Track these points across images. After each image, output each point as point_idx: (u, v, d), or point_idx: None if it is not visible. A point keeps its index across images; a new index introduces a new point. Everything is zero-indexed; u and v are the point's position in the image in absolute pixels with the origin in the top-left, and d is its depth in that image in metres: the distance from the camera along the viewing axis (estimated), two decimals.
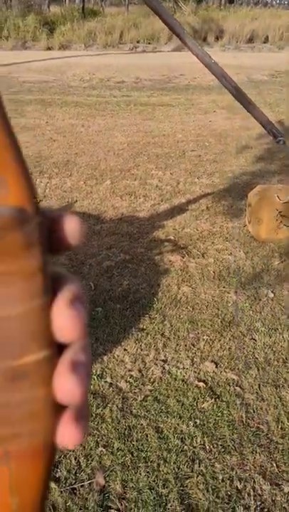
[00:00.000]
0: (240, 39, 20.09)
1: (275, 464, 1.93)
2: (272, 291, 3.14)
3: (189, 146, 6.63)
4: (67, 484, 1.85)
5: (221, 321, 2.84)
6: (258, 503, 1.78)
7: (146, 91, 11.07)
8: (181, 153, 6.32)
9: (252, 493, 1.81)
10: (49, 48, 18.22)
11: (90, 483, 1.85)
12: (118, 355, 2.56)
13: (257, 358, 2.54)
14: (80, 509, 1.76)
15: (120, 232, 4.07)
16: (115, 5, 27.80)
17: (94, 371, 2.43)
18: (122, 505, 1.77)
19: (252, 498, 1.80)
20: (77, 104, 9.38)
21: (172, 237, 3.94)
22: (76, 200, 4.74)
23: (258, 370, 2.45)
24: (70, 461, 1.94)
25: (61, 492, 1.82)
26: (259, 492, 1.82)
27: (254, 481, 1.86)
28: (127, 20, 19.71)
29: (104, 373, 2.43)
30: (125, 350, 2.60)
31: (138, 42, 19.34)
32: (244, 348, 2.62)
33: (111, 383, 2.36)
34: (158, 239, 3.92)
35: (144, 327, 2.79)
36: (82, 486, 1.84)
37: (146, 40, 19.00)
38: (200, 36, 19.77)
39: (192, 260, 3.55)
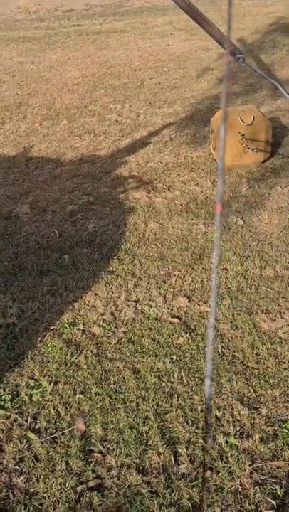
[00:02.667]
0: None
1: (251, 389, 1.95)
2: (241, 219, 3.08)
3: (148, 73, 6.28)
4: (47, 434, 1.84)
5: (192, 255, 2.79)
6: (238, 428, 1.81)
7: (97, 18, 10.33)
8: (139, 82, 5.99)
9: (231, 420, 1.84)
10: None
11: (70, 431, 1.85)
12: (89, 301, 2.50)
13: (230, 288, 2.52)
14: (63, 457, 1.76)
15: (82, 173, 3.89)
16: None
17: (65, 319, 2.38)
18: (104, 447, 1.78)
19: (231, 424, 1.82)
20: (25, 39, 8.72)
21: (136, 173, 3.79)
22: (33, 145, 4.49)
23: (231, 299, 2.44)
24: (49, 411, 1.93)
25: (42, 443, 1.81)
26: (238, 418, 1.85)
27: (232, 408, 1.89)
28: None
29: (77, 320, 2.38)
30: (96, 294, 2.54)
31: None
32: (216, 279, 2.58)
33: (84, 330, 2.32)
34: (121, 176, 3.77)
35: (114, 269, 2.72)
36: (62, 434, 1.84)
37: None
38: None
39: (158, 195, 3.44)
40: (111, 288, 2.58)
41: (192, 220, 3.11)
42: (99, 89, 5.86)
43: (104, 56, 7.31)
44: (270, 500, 1.59)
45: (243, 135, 3.45)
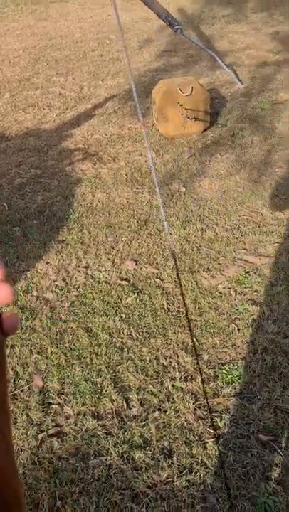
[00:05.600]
0: None
1: (195, 339, 2.15)
2: (183, 186, 3.24)
3: (90, 45, 6.24)
4: (8, 392, 1.96)
5: (138, 221, 2.93)
6: (182, 373, 2.01)
7: None
8: (82, 54, 5.96)
9: (176, 367, 2.03)
10: None
11: (29, 387, 1.98)
12: (41, 269, 2.61)
13: (174, 251, 2.69)
14: (23, 410, 1.89)
15: (28, 147, 3.91)
16: None
17: (19, 287, 2.48)
18: (61, 399, 1.93)
19: (177, 370, 2.02)
20: None
21: (82, 146, 3.85)
22: None
23: (175, 260, 2.61)
24: (8, 372, 2.05)
25: None
26: (183, 364, 2.04)
27: (178, 356, 2.08)
28: None
29: (30, 288, 2.48)
30: (48, 263, 2.65)
31: None
32: (161, 243, 2.75)
33: (37, 296, 2.43)
34: (67, 149, 3.83)
35: (64, 238, 2.83)
36: (22, 391, 1.97)
37: None
38: None
39: (104, 166, 3.53)
40: (62, 256, 2.69)
41: (137, 188, 3.25)
42: (41, 61, 5.79)
43: (45, 28, 7.17)
44: (212, 431, 1.80)
45: (181, 105, 3.59)
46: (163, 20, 4.16)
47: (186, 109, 3.61)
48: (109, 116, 4.32)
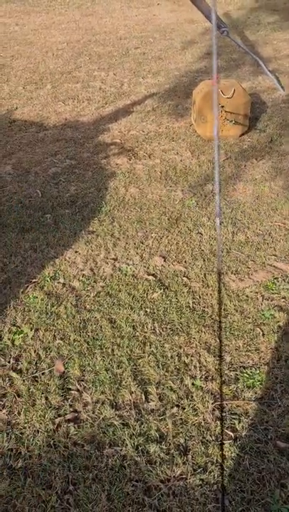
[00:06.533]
0: None
1: (218, 340, 2.13)
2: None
3: (133, 43, 6.27)
4: (28, 374, 1.99)
5: (168, 219, 2.93)
6: (203, 372, 1.99)
7: None
8: (124, 51, 5.99)
9: (198, 365, 2.02)
10: None
11: (50, 371, 1.99)
12: (70, 257, 2.63)
13: (203, 250, 2.68)
14: (43, 393, 1.91)
15: (65, 138, 3.95)
16: None
17: (47, 273, 2.50)
18: (80, 386, 1.94)
19: (198, 369, 2.00)
20: (9, 0, 8.51)
21: (118, 140, 3.87)
22: (16, 107, 4.50)
23: (204, 261, 2.60)
24: (30, 354, 2.07)
25: (24, 381, 1.96)
26: (204, 364, 2.03)
27: (200, 355, 2.06)
28: None
29: (57, 275, 2.50)
30: (76, 252, 2.67)
31: None
32: (191, 242, 2.74)
33: (64, 283, 2.45)
34: (104, 143, 3.85)
35: (94, 229, 2.84)
36: (43, 373, 1.99)
37: None
38: None
39: (139, 162, 3.54)
40: (91, 246, 2.70)
41: (170, 186, 3.24)
42: (83, 55, 5.84)
43: (90, 23, 7.23)
44: (229, 433, 1.78)
45: (222, 106, 3.57)
46: (210, 22, 4.14)
47: (226, 111, 3.59)
48: (147, 113, 4.33)
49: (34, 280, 2.46)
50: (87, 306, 2.31)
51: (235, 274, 2.49)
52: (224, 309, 2.29)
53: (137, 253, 2.65)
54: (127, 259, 2.61)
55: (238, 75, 5.06)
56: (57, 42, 6.33)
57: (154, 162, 3.54)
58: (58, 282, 2.46)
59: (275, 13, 7.50)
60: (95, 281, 2.46)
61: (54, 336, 2.15)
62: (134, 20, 7.33)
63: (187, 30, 6.66)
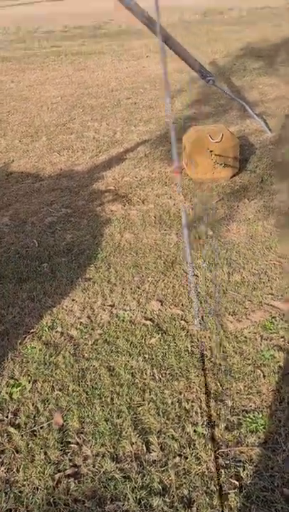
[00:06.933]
0: None
1: (218, 384, 2.10)
2: (211, 229, 3.27)
3: (124, 94, 6.52)
4: (27, 428, 1.95)
5: (164, 262, 2.95)
6: (205, 418, 1.95)
7: (76, 40, 10.63)
8: (116, 102, 6.22)
9: (199, 411, 1.98)
10: None
11: (48, 425, 1.96)
12: (67, 306, 2.63)
13: (200, 292, 2.68)
14: (42, 448, 1.87)
15: (60, 187, 4.04)
16: None
17: (44, 323, 2.50)
18: (80, 439, 1.90)
19: (199, 415, 1.97)
20: (5, 59, 8.92)
21: (112, 187, 3.96)
22: (13, 160, 4.64)
23: (201, 303, 2.60)
24: (28, 407, 2.04)
25: (22, 436, 1.92)
26: (205, 409, 1.99)
27: (200, 401, 2.03)
28: None
29: (55, 324, 2.50)
30: (73, 300, 2.67)
31: None
32: (187, 285, 2.75)
33: (62, 332, 2.45)
34: (98, 190, 3.93)
35: (91, 276, 2.86)
36: (41, 427, 1.95)
37: None
38: None
39: (133, 208, 3.61)
40: (88, 294, 2.71)
41: (165, 230, 3.29)
42: (77, 108, 6.06)
43: (83, 77, 7.55)
44: (234, 482, 1.73)
45: (211, 151, 3.67)
46: (196, 72, 4.33)
47: (215, 155, 3.69)
48: (140, 160, 4.45)
49: (32, 330, 2.46)
50: (86, 355, 2.29)
51: (232, 315, 2.49)
52: (224, 351, 2.27)
53: (134, 298, 2.65)
54: (124, 304, 2.61)
55: (227, 120, 5.23)
56: (51, 96, 6.59)
57: (148, 207, 3.60)
58: (56, 331, 2.45)
59: (260, 59, 7.84)
60: (92, 329, 2.45)
61: (52, 387, 2.13)
62: (125, 73, 7.65)
63: (175, 79, 6.94)
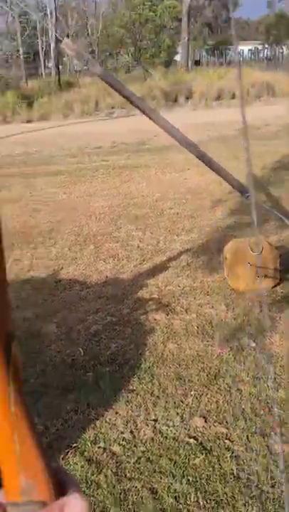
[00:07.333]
0: (208, 97, 21.27)
1: None
2: (254, 341, 3.28)
3: (167, 204, 6.95)
4: None
5: (207, 375, 2.95)
6: None
7: (122, 154, 11.61)
8: (159, 212, 6.61)
9: None
10: (29, 121, 19.09)
11: None
12: (110, 419, 2.64)
13: (244, 409, 2.64)
14: None
15: (106, 295, 4.22)
16: (89, 75, 29.45)
17: (87, 437, 2.50)
18: None
19: None
20: (59, 173, 9.80)
21: (156, 296, 4.10)
22: (62, 267, 4.92)
23: (246, 421, 2.54)
24: None
25: None
26: None
27: None
28: (101, 89, 20.87)
29: (98, 438, 2.50)
30: (117, 413, 2.68)
31: (112, 108, 20.36)
32: (231, 400, 2.71)
33: (104, 448, 2.43)
34: (142, 298, 4.08)
35: (134, 388, 2.89)
36: None
37: (120, 106, 20.03)
38: (171, 98, 20.93)
39: (176, 317, 3.70)
40: (131, 406, 2.72)
41: (207, 341, 3.32)
42: (123, 218, 6.48)
43: (128, 188, 8.14)
44: None
45: (251, 264, 3.80)
46: (234, 188, 4.63)
47: (257, 267, 3.81)
48: (182, 268, 4.63)
49: (75, 444, 2.46)
50: (128, 474, 2.25)
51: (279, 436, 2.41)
52: (271, 477, 2.18)
53: (177, 413, 2.64)
54: (168, 420, 2.59)
55: (266, 230, 5.43)
56: (99, 207, 7.10)
57: (191, 317, 3.68)
58: (99, 447, 2.44)
59: None
60: (135, 446, 2.43)
61: (94, 509, 2.08)
62: (168, 184, 8.21)
63: (215, 190, 7.36)
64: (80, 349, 3.35)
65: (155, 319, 3.69)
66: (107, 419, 2.63)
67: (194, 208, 6.61)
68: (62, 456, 2.39)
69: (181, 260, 4.84)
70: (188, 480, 2.19)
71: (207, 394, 2.78)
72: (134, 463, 2.31)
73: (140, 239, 5.59)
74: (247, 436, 2.43)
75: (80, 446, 2.45)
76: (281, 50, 43.65)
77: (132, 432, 2.53)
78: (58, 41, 23.38)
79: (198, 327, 3.53)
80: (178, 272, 4.56)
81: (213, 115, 16.57)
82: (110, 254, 5.17)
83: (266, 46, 45.58)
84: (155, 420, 2.60)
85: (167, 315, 3.74)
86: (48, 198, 7.82)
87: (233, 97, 21.51)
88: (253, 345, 3.23)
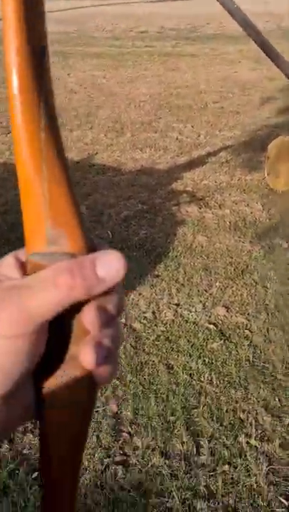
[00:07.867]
0: None
1: (277, 399, 2.05)
2: (287, 242, 3.18)
3: (212, 97, 6.50)
4: None
5: (234, 269, 2.92)
6: (259, 431, 1.91)
7: (170, 41, 10.74)
8: (203, 104, 6.21)
9: (254, 423, 1.95)
10: None
11: (104, 410, 2.01)
12: (133, 299, 2.68)
13: (267, 305, 2.63)
14: (94, 431, 1.92)
15: (139, 183, 4.11)
16: None
17: None
18: (132, 429, 1.93)
19: (253, 427, 1.93)
20: (99, 56, 9.21)
21: (190, 189, 3.97)
22: (96, 153, 4.78)
23: (268, 315, 2.54)
24: None
25: None
26: (261, 422, 1.95)
27: (256, 413, 1.99)
28: None
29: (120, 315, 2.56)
30: (140, 294, 2.72)
31: None
32: (256, 295, 2.70)
33: (125, 324, 2.50)
34: (176, 190, 3.96)
35: (159, 274, 2.89)
36: (96, 411, 2.00)
37: None
38: None
39: (209, 211, 3.60)
40: (155, 290, 2.75)
41: (239, 237, 3.25)
42: (164, 108, 6.13)
43: (173, 77, 7.61)
44: (283, 501, 1.68)
45: None
46: None
47: None
48: (221, 165, 4.42)
49: None
50: (146, 349, 2.33)
51: None
52: (286, 367, 2.21)
53: (200, 301, 2.65)
54: (190, 305, 2.61)
55: None
56: (140, 94, 6.71)
57: (224, 212, 3.57)
58: (120, 322, 2.50)
59: None
60: (155, 325, 2.48)
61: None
62: (216, 76, 7.62)
63: (267, 86, 6.81)
64: (109, 232, 3.34)
65: (187, 211, 3.61)
66: (130, 299, 2.68)
67: (241, 104, 6.17)
68: None
69: (220, 157, 4.61)
70: (204, 361, 2.25)
71: (232, 287, 2.76)
72: (153, 340, 2.38)
73: (180, 131, 5.31)
74: (267, 328, 2.44)
75: None
76: None
77: (153, 312, 2.57)
78: None
79: (230, 223, 3.43)
80: (216, 167, 4.37)
81: (274, 3, 14.85)
82: (147, 144, 4.96)
83: None
84: (177, 305, 2.63)
85: (200, 208, 3.64)
86: (86, 80, 7.42)
87: None
88: (286, 246, 3.14)
